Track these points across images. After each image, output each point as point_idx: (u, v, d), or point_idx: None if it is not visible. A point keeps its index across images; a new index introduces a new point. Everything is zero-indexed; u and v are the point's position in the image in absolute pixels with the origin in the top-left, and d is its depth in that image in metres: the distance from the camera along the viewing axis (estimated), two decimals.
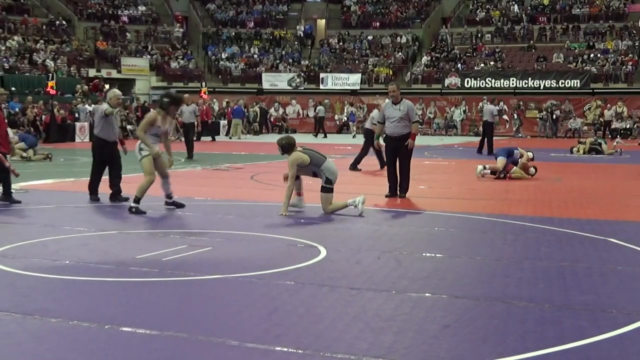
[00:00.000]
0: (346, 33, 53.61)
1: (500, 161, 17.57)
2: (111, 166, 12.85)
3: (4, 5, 46.90)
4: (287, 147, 11.66)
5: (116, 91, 13.39)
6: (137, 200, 11.38)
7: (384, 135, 13.81)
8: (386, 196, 13.53)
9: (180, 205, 11.98)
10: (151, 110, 11.35)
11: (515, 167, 17.71)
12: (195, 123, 25.39)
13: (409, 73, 48.24)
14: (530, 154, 18.41)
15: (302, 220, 10.95)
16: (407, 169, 13.64)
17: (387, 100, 14.11)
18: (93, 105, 31.82)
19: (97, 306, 6.20)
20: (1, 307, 6.05)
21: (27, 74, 40.31)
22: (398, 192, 13.62)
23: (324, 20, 56.43)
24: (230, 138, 38.18)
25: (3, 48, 42.14)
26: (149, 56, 49.88)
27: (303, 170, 11.67)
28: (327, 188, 11.56)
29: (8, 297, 6.50)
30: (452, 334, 5.51)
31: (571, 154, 26.87)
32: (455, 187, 15.66)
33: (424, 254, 8.56)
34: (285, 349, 5.09)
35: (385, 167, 14.48)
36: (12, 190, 12.50)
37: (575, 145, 27.97)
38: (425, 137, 37.90)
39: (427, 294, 6.64)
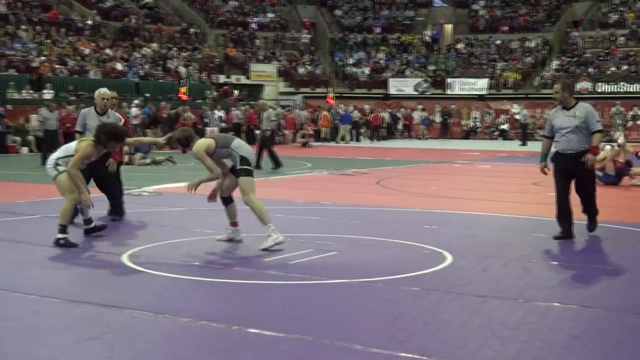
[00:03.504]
0: (474, 37, 53.06)
1: None
2: None
3: (139, 15, 48.61)
4: (185, 140, 9.22)
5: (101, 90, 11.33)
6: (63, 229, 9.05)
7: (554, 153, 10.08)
8: (555, 237, 9.73)
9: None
10: (85, 141, 9.18)
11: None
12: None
13: (538, 77, 47.27)
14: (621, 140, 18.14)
15: (427, 226, 10.89)
16: (592, 195, 10.04)
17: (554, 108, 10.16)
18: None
19: (225, 307, 6.36)
20: (135, 305, 6.28)
21: (160, 81, 41.64)
22: (574, 229, 9.87)
23: (451, 25, 56.01)
24: (337, 143, 39.91)
25: (139, 55, 43.67)
26: (277, 62, 50.67)
27: (215, 159, 9.18)
28: (246, 170, 9.07)
29: (141, 295, 6.74)
30: (581, 345, 5.38)
31: None
32: None
33: (551, 263, 8.37)
34: (409, 355, 5.07)
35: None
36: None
37: None
38: None
39: (555, 304, 6.50)
